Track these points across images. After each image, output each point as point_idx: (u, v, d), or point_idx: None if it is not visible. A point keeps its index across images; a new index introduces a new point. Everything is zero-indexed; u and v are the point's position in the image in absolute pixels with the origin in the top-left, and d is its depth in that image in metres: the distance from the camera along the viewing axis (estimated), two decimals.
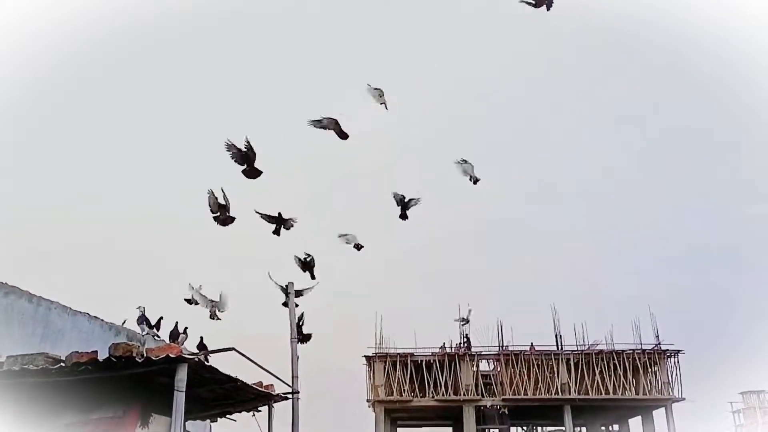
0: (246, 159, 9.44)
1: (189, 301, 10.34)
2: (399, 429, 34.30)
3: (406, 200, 10.87)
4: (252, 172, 9.61)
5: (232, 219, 9.79)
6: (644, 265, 70.90)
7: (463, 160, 10.65)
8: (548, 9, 9.99)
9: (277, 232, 10.59)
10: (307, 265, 11.30)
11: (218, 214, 9.72)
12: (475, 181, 10.58)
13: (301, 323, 11.22)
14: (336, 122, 9.82)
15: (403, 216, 10.91)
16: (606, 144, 75.65)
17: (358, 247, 11.23)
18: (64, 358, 6.21)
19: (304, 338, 11.24)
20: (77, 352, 6.20)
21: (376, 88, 10.22)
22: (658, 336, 28.31)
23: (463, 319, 29.06)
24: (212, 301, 10.23)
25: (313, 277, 11.30)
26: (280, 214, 10.58)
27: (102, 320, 8.59)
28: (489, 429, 28.61)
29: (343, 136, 9.93)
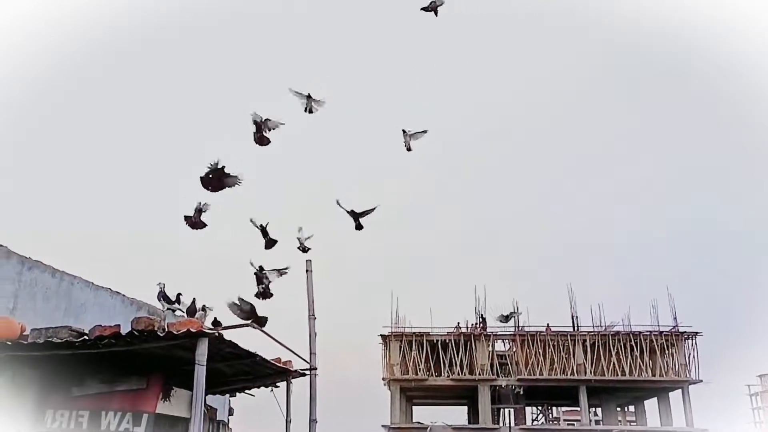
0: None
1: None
2: (414, 407, 34.61)
3: (358, 212, 10.53)
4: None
5: (204, 224, 9.72)
6: (663, 246, 70.34)
7: (404, 131, 10.56)
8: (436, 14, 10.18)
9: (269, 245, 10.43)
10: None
11: (192, 216, 9.68)
12: (408, 148, 10.51)
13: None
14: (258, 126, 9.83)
15: (359, 226, 10.50)
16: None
17: (304, 249, 10.61)
18: (87, 332, 6.30)
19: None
20: (100, 325, 6.29)
21: (300, 93, 10.22)
22: (675, 318, 28.20)
23: None
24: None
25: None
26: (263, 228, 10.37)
27: (123, 295, 8.70)
28: (504, 408, 28.75)
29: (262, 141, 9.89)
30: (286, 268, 10.22)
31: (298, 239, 10.67)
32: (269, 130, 10.19)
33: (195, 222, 9.54)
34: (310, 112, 10.41)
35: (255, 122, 9.98)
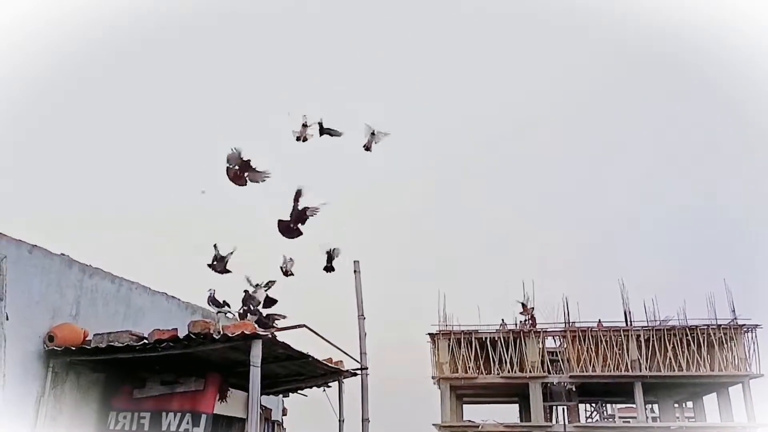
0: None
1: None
2: (465, 406, 34.43)
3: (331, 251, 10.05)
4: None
5: (227, 271, 9.60)
6: (720, 236, 68.04)
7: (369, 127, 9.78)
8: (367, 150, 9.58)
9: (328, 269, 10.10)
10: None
11: (215, 263, 9.49)
12: (367, 148, 9.75)
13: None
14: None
15: (329, 268, 10.06)
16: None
17: (287, 273, 10.15)
18: (146, 335, 6.51)
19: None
20: (159, 329, 6.49)
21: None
22: (734, 310, 27.25)
23: None
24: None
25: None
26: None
27: (179, 300, 8.94)
28: (556, 406, 28.32)
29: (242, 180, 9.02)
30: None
31: (281, 268, 10.20)
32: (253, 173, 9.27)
33: (221, 270, 9.50)
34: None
35: (234, 160, 8.92)
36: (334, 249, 10.16)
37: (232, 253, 9.72)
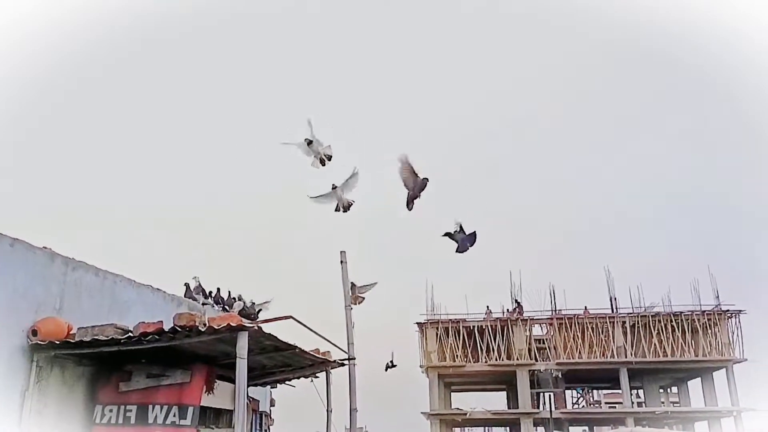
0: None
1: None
2: (454, 394, 34.67)
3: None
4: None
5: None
6: (705, 224, 68.77)
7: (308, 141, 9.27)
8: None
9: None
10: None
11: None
12: (324, 162, 9.29)
13: None
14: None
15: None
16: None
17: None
18: (131, 329, 6.47)
19: None
20: (144, 322, 6.45)
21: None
22: (718, 296, 27.61)
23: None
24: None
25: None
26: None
27: (164, 292, 8.89)
28: (543, 393, 28.59)
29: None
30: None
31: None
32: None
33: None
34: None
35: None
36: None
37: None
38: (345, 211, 9.63)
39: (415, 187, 8.76)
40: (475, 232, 9.66)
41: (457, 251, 9.64)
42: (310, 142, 9.08)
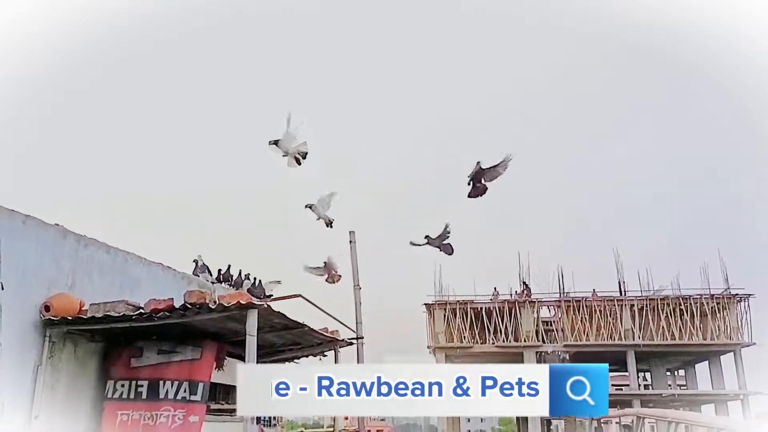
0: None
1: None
2: None
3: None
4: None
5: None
6: (714, 209, 68.37)
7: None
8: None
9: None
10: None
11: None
12: (299, 161, 8.98)
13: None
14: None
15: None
16: None
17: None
18: (143, 305, 6.54)
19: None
20: (155, 299, 6.51)
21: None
22: (727, 280, 27.49)
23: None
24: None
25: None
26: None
27: (174, 270, 8.95)
28: None
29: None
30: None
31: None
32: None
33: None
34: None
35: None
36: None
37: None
38: (329, 225, 9.77)
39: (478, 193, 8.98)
40: (449, 244, 9.94)
41: (447, 254, 9.99)
42: (276, 142, 8.71)
